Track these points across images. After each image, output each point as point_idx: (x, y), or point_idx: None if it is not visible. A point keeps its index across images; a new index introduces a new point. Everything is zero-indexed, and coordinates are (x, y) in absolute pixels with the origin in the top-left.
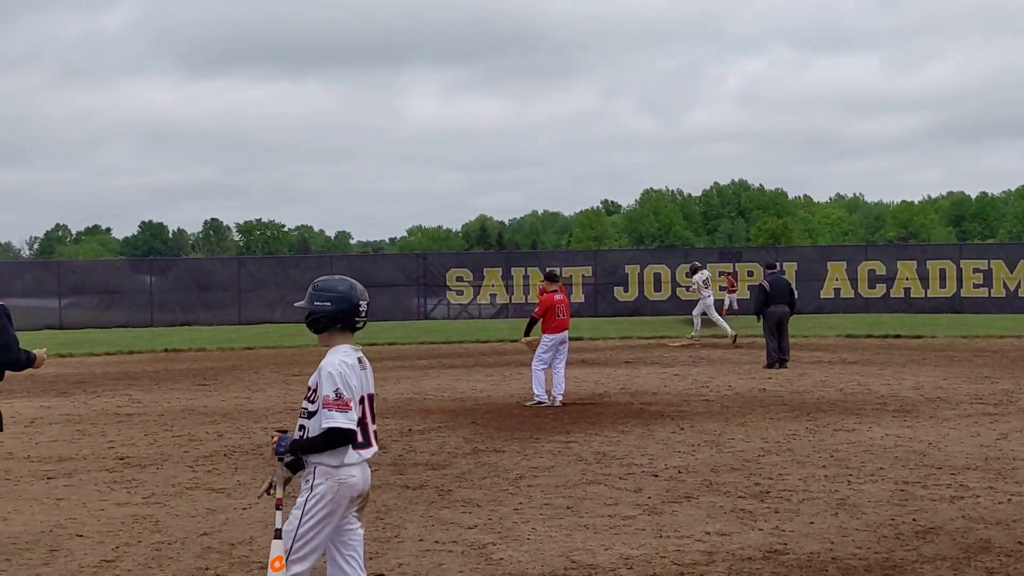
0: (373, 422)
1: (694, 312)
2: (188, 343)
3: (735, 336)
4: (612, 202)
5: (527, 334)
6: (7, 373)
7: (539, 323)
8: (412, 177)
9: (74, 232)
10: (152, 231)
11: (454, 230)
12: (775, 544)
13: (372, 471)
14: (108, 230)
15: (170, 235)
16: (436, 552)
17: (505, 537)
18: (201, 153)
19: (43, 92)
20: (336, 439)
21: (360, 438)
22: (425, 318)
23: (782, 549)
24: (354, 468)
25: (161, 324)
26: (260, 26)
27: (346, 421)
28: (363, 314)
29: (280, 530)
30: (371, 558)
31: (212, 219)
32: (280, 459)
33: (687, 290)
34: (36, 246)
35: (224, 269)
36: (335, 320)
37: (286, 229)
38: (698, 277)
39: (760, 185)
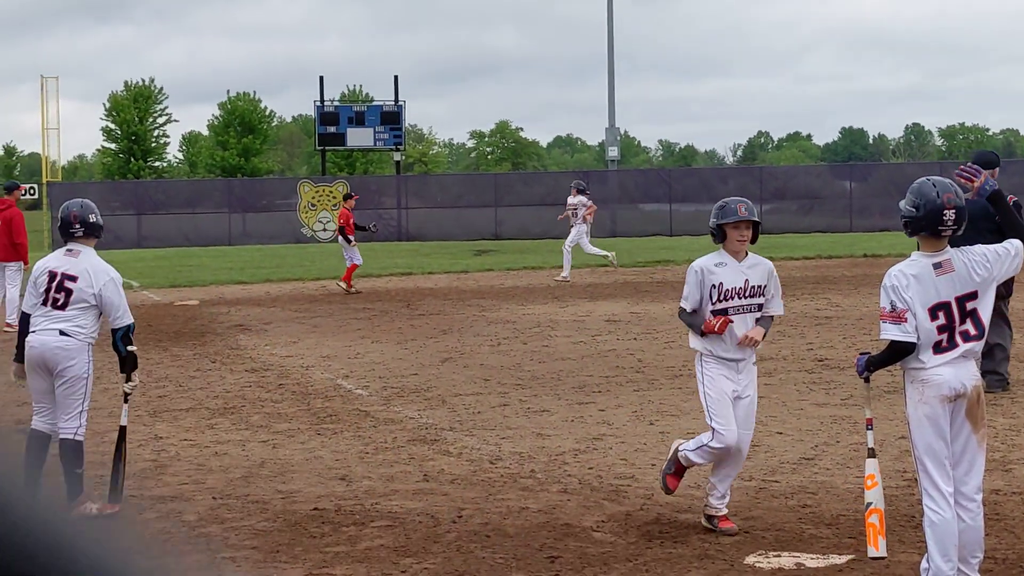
0: (963, 323)
1: (567, 243)
2: (887, 249)
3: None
4: None
5: None
6: None
7: None
8: None
9: (775, 139)
10: (852, 137)
11: None
12: None
13: None
14: (808, 136)
15: (870, 141)
16: None
17: None
18: (905, 57)
19: (748, 1)
20: (898, 352)
21: (945, 343)
22: None
23: None
24: (940, 368)
25: (860, 230)
26: None
27: (899, 333)
28: (948, 222)
29: (873, 448)
30: None
31: (913, 124)
32: (863, 378)
33: (573, 216)
34: (739, 153)
35: (923, 172)
36: (919, 226)
37: (990, 133)
38: (579, 200)
39: None
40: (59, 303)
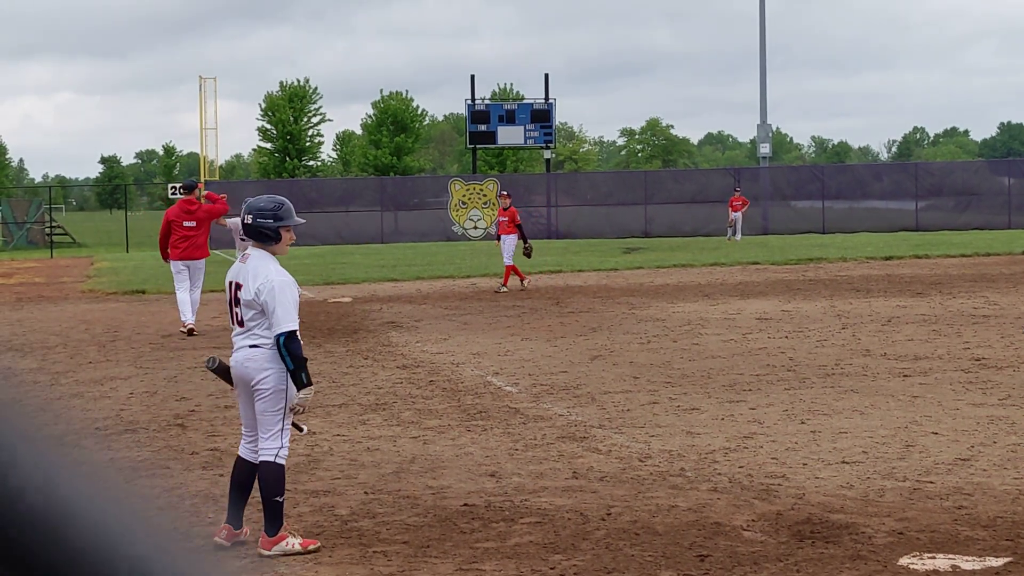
0: None
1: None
2: None
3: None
4: None
5: None
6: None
7: None
8: None
9: (931, 134)
10: (1011, 132)
11: None
12: None
13: None
14: (966, 132)
15: None
16: None
17: None
18: None
19: None
20: None
21: None
22: None
23: None
24: None
25: (1019, 227)
26: None
27: None
28: None
29: None
30: None
31: None
32: None
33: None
34: (894, 149)
35: None
36: None
37: None
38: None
39: None
40: (239, 317)
